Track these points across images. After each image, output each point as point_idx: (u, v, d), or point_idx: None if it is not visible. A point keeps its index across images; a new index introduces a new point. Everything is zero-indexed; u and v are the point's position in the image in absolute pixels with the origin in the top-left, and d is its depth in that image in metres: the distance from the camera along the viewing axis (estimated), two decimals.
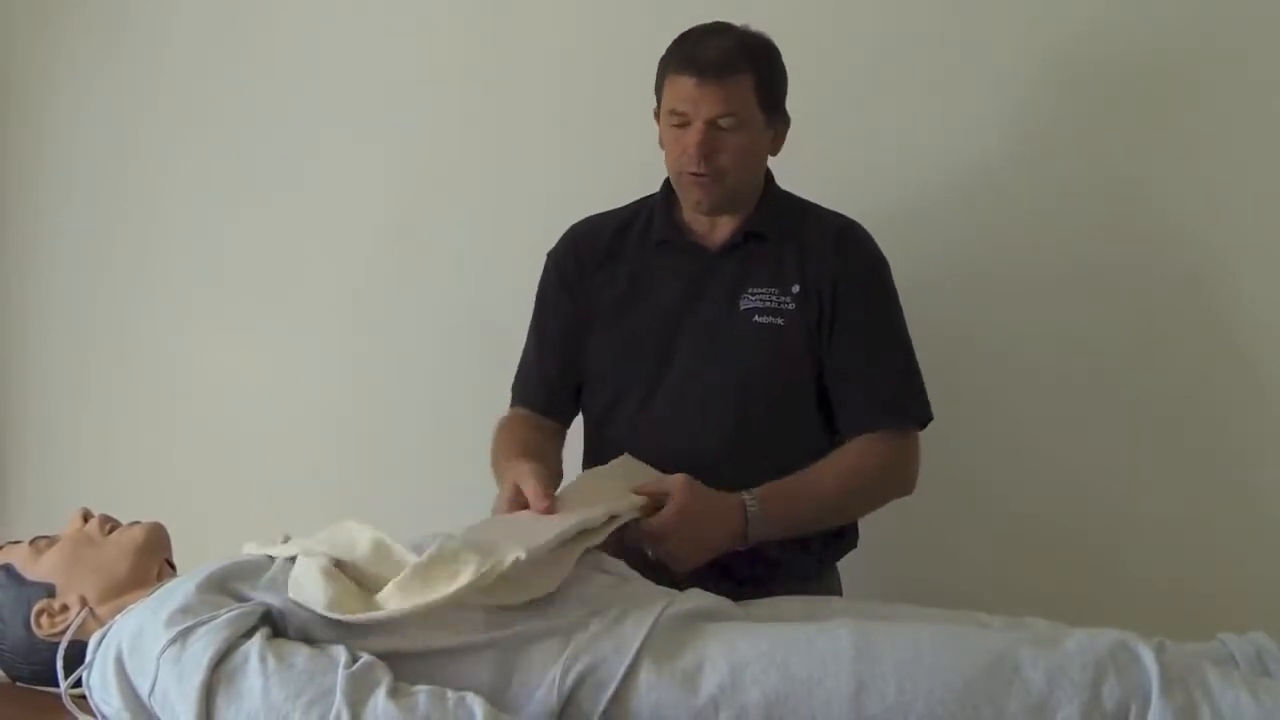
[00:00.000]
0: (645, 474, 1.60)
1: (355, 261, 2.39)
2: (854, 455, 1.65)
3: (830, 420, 1.70)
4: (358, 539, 1.30)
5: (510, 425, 1.77)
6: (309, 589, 1.23)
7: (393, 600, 1.21)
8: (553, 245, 1.81)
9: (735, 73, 1.60)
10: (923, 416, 1.70)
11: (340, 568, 1.27)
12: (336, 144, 2.39)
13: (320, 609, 1.21)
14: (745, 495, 1.56)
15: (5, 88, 2.61)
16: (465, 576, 1.19)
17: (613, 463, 1.65)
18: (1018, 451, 2.05)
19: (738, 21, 1.66)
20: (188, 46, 2.48)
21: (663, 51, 1.67)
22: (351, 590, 1.24)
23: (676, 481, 1.52)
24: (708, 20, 1.67)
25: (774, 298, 1.67)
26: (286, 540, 1.35)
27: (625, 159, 1.94)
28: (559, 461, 1.75)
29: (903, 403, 1.68)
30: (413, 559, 1.23)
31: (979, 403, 2.05)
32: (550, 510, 1.42)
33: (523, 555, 1.22)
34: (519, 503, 1.46)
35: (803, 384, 1.68)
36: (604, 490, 1.52)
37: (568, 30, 2.27)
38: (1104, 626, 1.28)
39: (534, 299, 1.82)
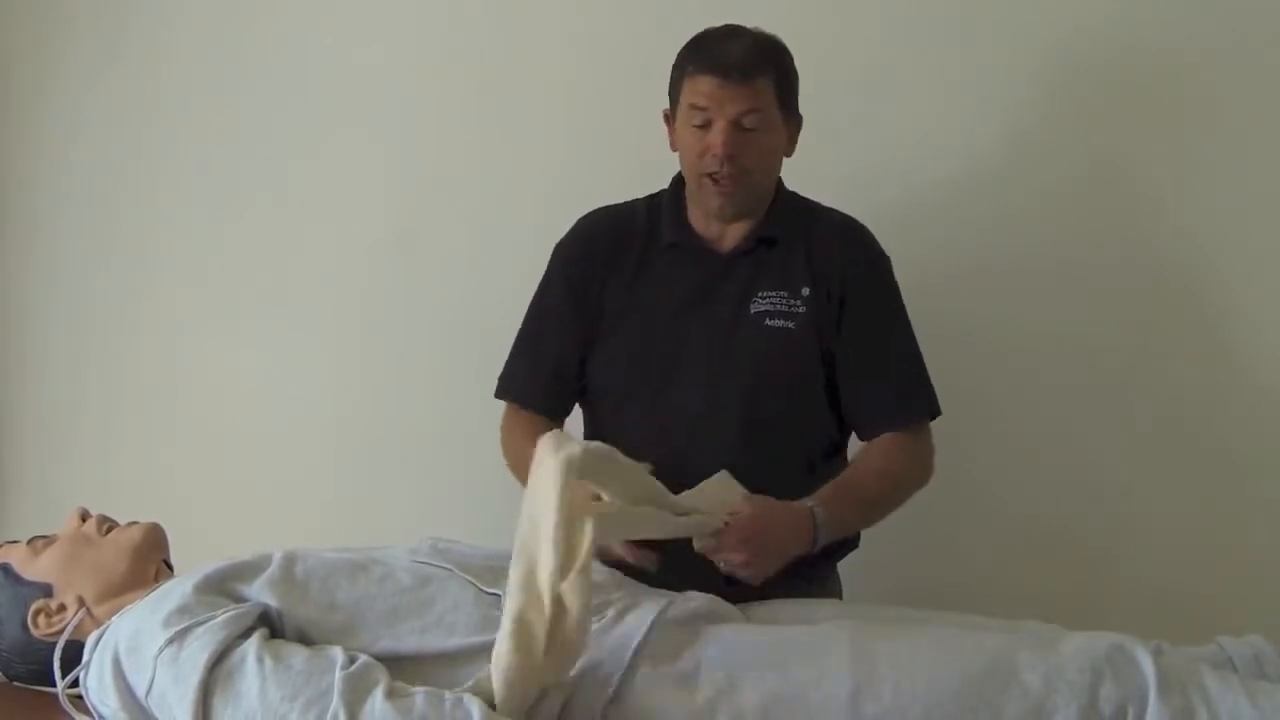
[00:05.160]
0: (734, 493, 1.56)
1: (355, 263, 2.38)
2: (881, 456, 1.66)
3: (841, 416, 1.70)
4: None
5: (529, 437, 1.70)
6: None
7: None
8: (555, 243, 1.78)
9: (758, 74, 1.59)
10: (933, 409, 1.71)
11: None
12: (336, 145, 2.38)
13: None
14: (809, 502, 1.54)
15: (5, 89, 2.61)
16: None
17: (713, 480, 1.58)
18: (1017, 451, 2.05)
19: (740, 20, 1.65)
20: (187, 48, 2.47)
21: (664, 51, 1.66)
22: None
23: (744, 498, 1.51)
24: (709, 19, 1.66)
25: (785, 300, 1.66)
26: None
27: (626, 160, 1.94)
28: None
29: (915, 400, 1.69)
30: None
31: (978, 403, 2.04)
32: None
33: (578, 450, 1.21)
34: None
35: (814, 384, 1.67)
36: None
37: (569, 31, 2.26)
38: (1102, 629, 1.28)
39: (533, 299, 1.80)
